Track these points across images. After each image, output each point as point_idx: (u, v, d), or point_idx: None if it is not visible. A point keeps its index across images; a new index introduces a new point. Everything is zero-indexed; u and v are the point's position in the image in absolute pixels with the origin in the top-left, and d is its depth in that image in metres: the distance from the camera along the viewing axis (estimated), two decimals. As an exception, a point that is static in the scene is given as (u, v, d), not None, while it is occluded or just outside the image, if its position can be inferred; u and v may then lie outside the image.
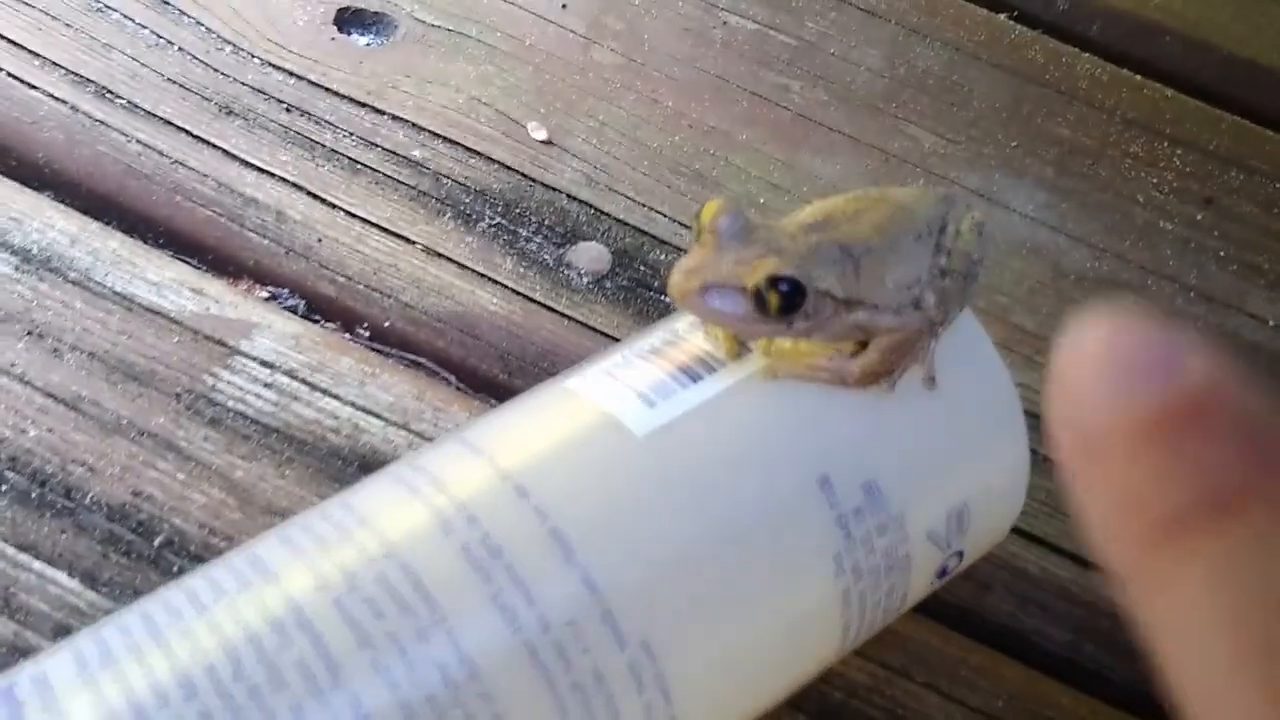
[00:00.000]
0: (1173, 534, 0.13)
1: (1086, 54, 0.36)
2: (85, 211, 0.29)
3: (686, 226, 0.31)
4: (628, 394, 0.20)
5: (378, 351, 0.28)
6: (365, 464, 0.26)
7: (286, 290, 0.29)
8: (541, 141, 0.32)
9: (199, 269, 0.29)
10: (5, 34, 0.31)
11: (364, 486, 0.20)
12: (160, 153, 0.30)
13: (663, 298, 0.30)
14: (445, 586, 0.18)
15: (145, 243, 0.29)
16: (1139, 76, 0.36)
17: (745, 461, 0.20)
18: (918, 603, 0.23)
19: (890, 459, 0.21)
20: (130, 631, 0.18)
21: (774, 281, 0.19)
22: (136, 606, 0.19)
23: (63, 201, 0.29)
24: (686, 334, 0.22)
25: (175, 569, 0.25)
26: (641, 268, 0.31)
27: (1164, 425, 0.13)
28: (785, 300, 0.19)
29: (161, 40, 0.32)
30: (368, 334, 0.29)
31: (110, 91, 0.31)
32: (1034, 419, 0.29)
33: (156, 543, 0.25)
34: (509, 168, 0.31)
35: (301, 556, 0.19)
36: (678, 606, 0.19)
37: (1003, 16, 0.37)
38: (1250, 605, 0.12)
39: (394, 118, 0.32)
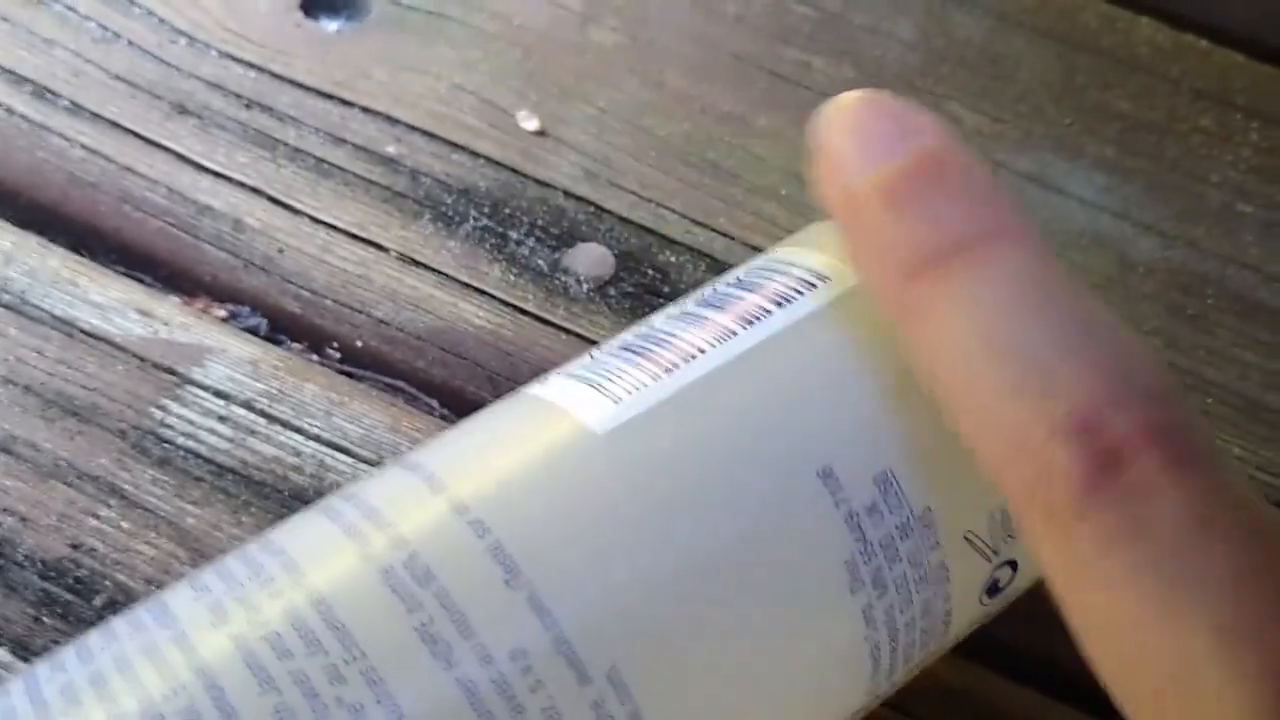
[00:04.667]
0: (924, 273, 0.15)
1: (1145, 17, 0.32)
2: (23, 225, 0.26)
3: (699, 224, 0.28)
4: (587, 389, 0.17)
5: (348, 375, 0.25)
6: (333, 507, 0.23)
7: (246, 308, 0.26)
8: (533, 132, 0.28)
9: (149, 287, 0.26)
10: (-67, 30, 0.28)
11: (289, 522, 0.17)
12: (106, 158, 0.27)
13: (673, 305, 0.26)
14: (363, 618, 0.15)
15: (90, 259, 0.26)
16: (1205, 42, 0.32)
17: (725, 452, 0.17)
18: (968, 634, 0.20)
19: (906, 446, 0.17)
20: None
21: None
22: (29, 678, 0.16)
23: (-3, 215, 0.26)
24: (664, 327, 0.19)
25: (116, 634, 0.22)
26: (649, 271, 0.27)
27: (907, 183, 0.16)
28: None
29: (108, 33, 0.29)
30: (338, 355, 0.25)
31: (51, 91, 0.28)
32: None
33: (98, 603, 0.22)
34: (496, 162, 0.28)
35: (204, 596, 0.16)
36: (654, 631, 0.16)
37: (1049, -21, 0.33)
38: (988, 320, 0.15)
39: (365, 110, 0.28)
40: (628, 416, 0.17)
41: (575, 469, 0.17)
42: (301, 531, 0.17)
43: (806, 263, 0.19)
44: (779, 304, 0.18)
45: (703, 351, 0.18)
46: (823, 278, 0.19)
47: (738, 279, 0.20)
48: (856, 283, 0.19)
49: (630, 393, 0.17)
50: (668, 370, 0.18)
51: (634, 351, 0.18)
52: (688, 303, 0.20)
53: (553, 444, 0.17)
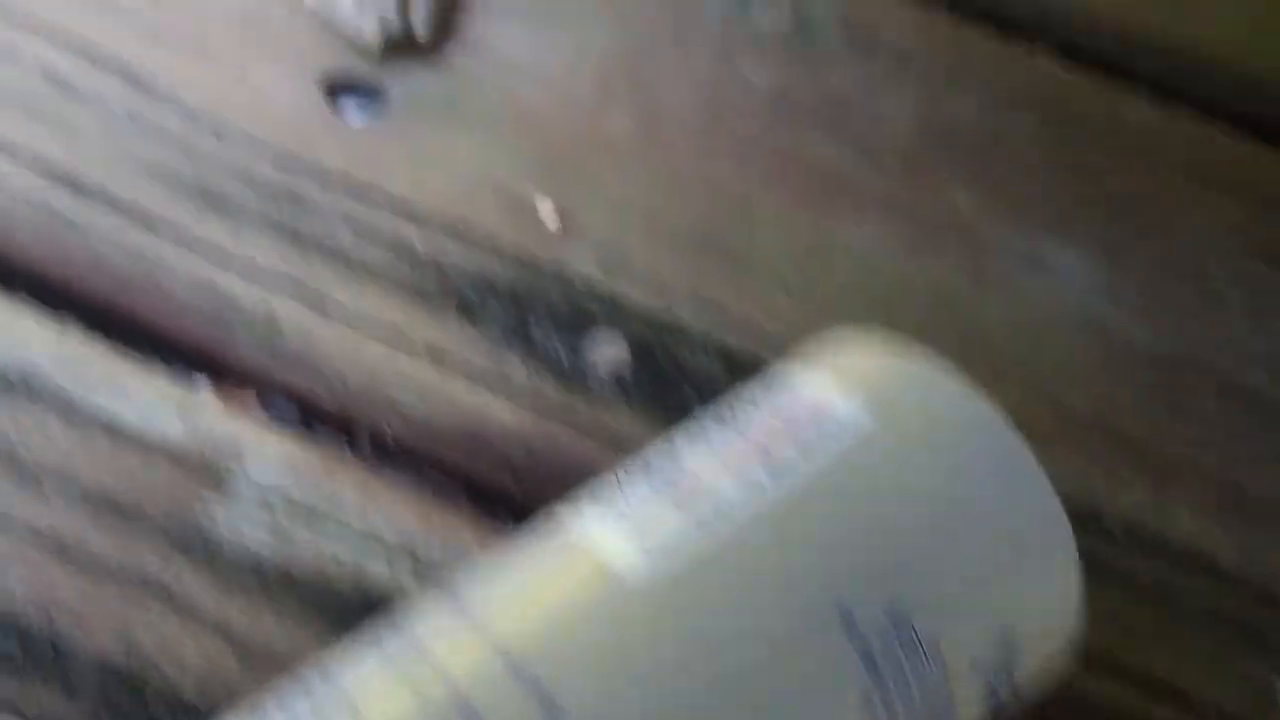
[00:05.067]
0: None
1: (1135, 94, 0.34)
2: (63, 319, 0.27)
3: (712, 314, 0.29)
4: (620, 535, 0.19)
5: (379, 470, 0.26)
6: (369, 604, 0.24)
7: (281, 399, 0.27)
8: (551, 223, 0.30)
9: (186, 381, 0.27)
10: (-32, 125, 0.29)
11: (347, 653, 0.19)
12: (139, 250, 0.28)
13: (693, 394, 0.28)
14: None
15: (130, 351, 0.27)
16: (1194, 118, 0.33)
17: (750, 600, 0.19)
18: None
19: (918, 583, 0.19)
20: None
21: None
22: None
23: (38, 305, 0.27)
24: (689, 460, 0.20)
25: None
26: (666, 365, 0.28)
27: None
28: None
29: (139, 124, 0.30)
30: (369, 448, 0.26)
31: (84, 183, 0.29)
32: (1093, 519, 0.27)
33: (152, 705, 0.23)
34: (517, 256, 0.29)
35: None
36: None
37: (1043, 55, 0.34)
38: None
39: (390, 204, 0.29)
40: (658, 568, 0.19)
41: (610, 620, 0.18)
42: (359, 670, 0.18)
43: (825, 393, 0.21)
44: (799, 449, 0.20)
45: (729, 498, 0.19)
46: (841, 423, 0.20)
47: (754, 402, 0.21)
48: (870, 429, 0.20)
49: (659, 540, 0.19)
50: (698, 524, 0.19)
51: (661, 486, 0.20)
52: (710, 428, 0.21)
53: (589, 594, 0.19)
